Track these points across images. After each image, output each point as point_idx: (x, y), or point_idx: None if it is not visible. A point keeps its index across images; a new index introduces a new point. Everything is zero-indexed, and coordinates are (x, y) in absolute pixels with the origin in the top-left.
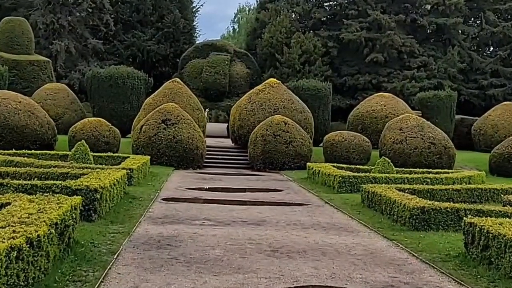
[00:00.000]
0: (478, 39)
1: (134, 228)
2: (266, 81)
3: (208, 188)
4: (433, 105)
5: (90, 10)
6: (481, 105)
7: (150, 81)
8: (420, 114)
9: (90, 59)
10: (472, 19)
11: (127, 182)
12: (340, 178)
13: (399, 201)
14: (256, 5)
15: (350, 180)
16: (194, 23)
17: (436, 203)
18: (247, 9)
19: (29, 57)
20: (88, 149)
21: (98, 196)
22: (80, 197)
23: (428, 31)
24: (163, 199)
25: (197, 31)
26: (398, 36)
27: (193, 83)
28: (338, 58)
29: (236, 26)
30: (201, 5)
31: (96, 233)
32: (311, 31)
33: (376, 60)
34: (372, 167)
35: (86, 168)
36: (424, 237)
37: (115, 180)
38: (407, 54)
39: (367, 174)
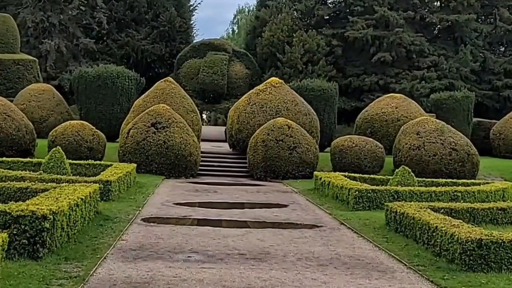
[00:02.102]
0: (490, 37)
1: (95, 268)
2: (268, 81)
3: (200, 202)
4: (449, 107)
5: (82, 8)
6: (495, 107)
7: (142, 81)
8: (434, 117)
9: (82, 59)
10: (483, 16)
11: (103, 197)
12: (357, 192)
13: (443, 229)
14: (256, 3)
15: (369, 195)
16: (191, 22)
17: (496, 233)
18: (246, 10)
19: (14, 56)
20: (64, 157)
21: (48, 225)
22: (5, 234)
23: (439, 29)
24: (144, 220)
25: (194, 31)
26: (407, 34)
27: (190, 84)
28: (342, 58)
29: (235, 28)
30: (199, 3)
31: (38, 280)
32: (314, 29)
33: (383, 59)
34: (390, 177)
35: (52, 181)
36: (487, 283)
37: (80, 199)
38: (416, 53)
39: (388, 187)
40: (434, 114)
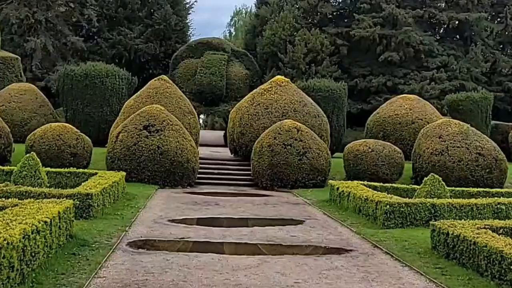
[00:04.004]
0: (501, 37)
1: None
2: (273, 79)
3: (199, 219)
4: (466, 109)
5: (71, 4)
6: (506, 110)
7: (134, 81)
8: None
9: (70, 58)
10: (493, 15)
11: (82, 214)
12: (388, 206)
13: None
14: (255, 1)
15: (402, 209)
16: (187, 21)
17: None
18: (244, 11)
19: None
20: (40, 164)
21: None
22: None
23: (448, 28)
24: (131, 245)
25: (191, 30)
26: (415, 33)
27: (186, 85)
28: (348, 58)
29: (232, 30)
30: (195, 0)
31: None
32: (318, 28)
33: (390, 59)
34: (415, 186)
35: (20, 194)
36: None
37: (42, 223)
38: (425, 53)
39: (423, 200)
40: (450, 117)
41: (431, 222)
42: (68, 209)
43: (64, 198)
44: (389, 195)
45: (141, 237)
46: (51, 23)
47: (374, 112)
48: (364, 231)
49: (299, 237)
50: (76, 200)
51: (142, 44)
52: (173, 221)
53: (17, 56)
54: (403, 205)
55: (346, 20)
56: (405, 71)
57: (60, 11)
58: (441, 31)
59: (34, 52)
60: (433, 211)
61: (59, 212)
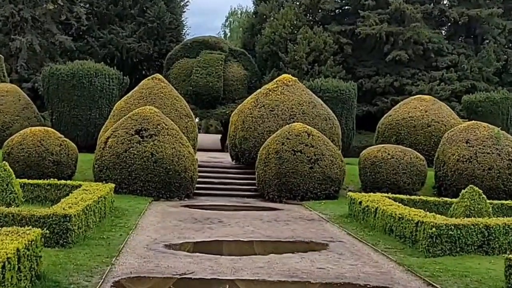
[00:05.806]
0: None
1: None
2: (278, 78)
3: (202, 243)
4: (486, 111)
5: (59, 1)
6: None
7: (126, 81)
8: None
9: (59, 58)
10: (503, 12)
11: (58, 241)
12: (434, 229)
13: None
14: None
15: (450, 232)
16: (182, 19)
17: None
18: (239, 12)
19: None
20: (13, 176)
21: None
22: None
23: (458, 25)
24: (117, 286)
25: (186, 29)
26: (425, 30)
27: (181, 86)
28: (352, 57)
29: (227, 31)
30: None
31: None
32: (321, 25)
33: (398, 58)
34: (448, 200)
35: None
36: None
37: None
38: (434, 52)
39: (473, 220)
40: (467, 120)
41: (506, 256)
42: (33, 242)
43: (34, 223)
44: (431, 213)
45: (131, 273)
46: (38, 21)
47: (386, 114)
48: (407, 260)
49: (329, 270)
50: (46, 228)
51: (135, 43)
52: (170, 246)
53: (0, 55)
54: (452, 227)
55: (350, 18)
56: (413, 71)
57: (48, 9)
58: (451, 28)
59: (19, 51)
60: (486, 234)
61: (17, 250)
